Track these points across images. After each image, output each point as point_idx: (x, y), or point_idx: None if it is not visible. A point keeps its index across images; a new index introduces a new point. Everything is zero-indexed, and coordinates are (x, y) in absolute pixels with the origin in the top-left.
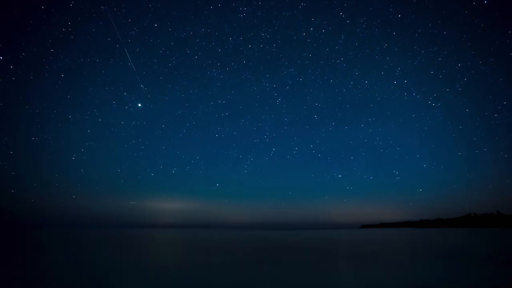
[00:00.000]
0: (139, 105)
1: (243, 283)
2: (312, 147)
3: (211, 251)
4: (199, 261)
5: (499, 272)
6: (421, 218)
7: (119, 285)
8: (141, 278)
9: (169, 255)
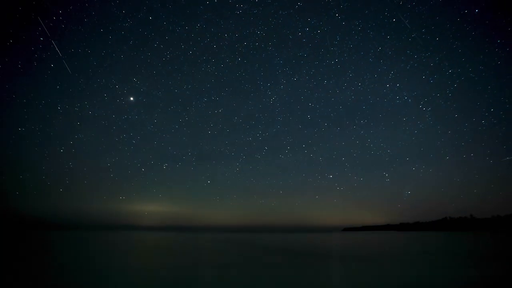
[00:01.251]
0: (131, 98)
1: None
2: (304, 146)
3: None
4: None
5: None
6: (401, 221)
7: None
8: None
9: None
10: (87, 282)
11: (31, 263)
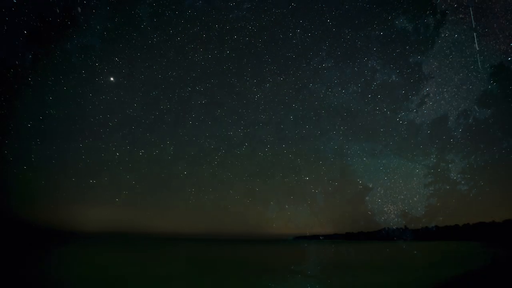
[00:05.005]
0: (112, 79)
1: None
2: (284, 147)
3: None
4: None
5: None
6: (347, 231)
7: None
8: None
9: None
10: None
11: None
